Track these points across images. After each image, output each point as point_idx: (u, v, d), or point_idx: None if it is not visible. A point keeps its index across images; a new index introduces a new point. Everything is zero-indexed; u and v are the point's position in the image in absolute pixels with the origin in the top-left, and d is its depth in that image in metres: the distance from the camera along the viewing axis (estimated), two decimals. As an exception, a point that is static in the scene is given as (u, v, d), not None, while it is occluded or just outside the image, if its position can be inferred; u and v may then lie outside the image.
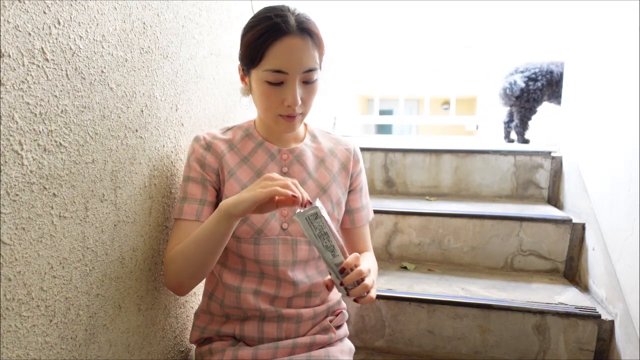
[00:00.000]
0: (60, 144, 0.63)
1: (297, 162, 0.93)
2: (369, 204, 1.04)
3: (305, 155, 0.94)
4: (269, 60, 0.79)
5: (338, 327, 0.97)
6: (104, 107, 0.72)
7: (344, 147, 1.00)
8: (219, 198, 0.92)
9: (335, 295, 1.00)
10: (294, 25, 0.79)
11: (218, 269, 0.92)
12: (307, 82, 0.83)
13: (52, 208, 0.63)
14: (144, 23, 0.82)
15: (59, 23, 0.61)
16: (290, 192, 0.70)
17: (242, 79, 0.89)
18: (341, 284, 0.75)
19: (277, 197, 0.72)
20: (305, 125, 1.00)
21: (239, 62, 0.88)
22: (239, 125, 0.97)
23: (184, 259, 0.81)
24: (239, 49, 0.87)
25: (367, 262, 0.90)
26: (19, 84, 0.56)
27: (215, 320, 0.93)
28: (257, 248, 0.88)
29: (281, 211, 0.90)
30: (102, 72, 0.71)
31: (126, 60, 0.77)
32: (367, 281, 0.76)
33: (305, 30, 0.80)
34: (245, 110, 1.37)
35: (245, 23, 0.85)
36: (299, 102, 0.82)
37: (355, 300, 0.77)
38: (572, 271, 1.51)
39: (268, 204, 0.73)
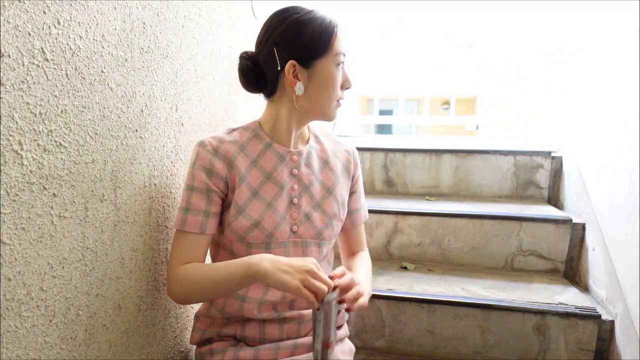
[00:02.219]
0: (60, 144, 0.63)
1: (305, 164, 0.93)
2: (365, 203, 1.08)
3: (312, 156, 0.94)
4: (338, 44, 0.86)
5: (338, 327, 0.97)
6: (104, 107, 0.72)
7: (344, 149, 1.00)
8: (223, 206, 0.88)
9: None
10: None
11: None
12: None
13: (52, 208, 0.63)
14: (144, 23, 0.82)
15: (58, 23, 0.61)
16: (314, 302, 0.72)
17: (294, 79, 0.83)
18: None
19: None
20: (308, 126, 0.99)
21: (281, 66, 0.83)
22: (244, 126, 0.93)
23: (198, 290, 0.82)
24: (284, 49, 0.82)
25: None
26: (19, 84, 0.56)
27: (216, 323, 0.93)
28: (268, 252, 0.86)
29: (291, 214, 0.89)
30: (102, 72, 0.71)
31: (126, 60, 0.77)
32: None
33: None
34: (246, 110, 1.37)
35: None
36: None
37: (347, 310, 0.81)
38: (572, 271, 1.51)
39: None
